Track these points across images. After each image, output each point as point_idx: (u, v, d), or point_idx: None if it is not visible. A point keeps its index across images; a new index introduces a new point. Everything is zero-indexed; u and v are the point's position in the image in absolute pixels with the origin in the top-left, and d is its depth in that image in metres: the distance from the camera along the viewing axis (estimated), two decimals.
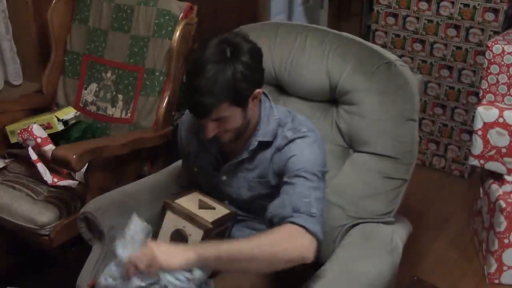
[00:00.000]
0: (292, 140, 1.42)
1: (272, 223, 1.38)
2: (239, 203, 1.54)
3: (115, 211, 1.67)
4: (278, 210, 1.36)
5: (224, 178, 1.53)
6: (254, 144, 1.45)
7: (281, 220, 1.32)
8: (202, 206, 1.49)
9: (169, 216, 1.45)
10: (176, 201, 1.48)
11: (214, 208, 1.49)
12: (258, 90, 1.38)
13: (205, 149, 1.56)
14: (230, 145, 1.47)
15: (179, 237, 1.42)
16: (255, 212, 1.55)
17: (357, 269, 1.43)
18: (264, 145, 1.46)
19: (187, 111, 1.61)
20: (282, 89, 1.85)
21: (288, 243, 1.27)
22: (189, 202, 1.49)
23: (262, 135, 1.45)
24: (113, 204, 1.70)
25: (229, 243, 1.27)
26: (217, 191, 1.55)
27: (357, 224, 1.61)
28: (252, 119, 1.44)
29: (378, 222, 1.61)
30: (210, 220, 1.41)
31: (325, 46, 1.75)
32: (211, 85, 1.28)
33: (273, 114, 1.48)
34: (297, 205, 1.32)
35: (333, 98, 1.74)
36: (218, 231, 1.44)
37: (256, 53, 1.36)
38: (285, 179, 1.39)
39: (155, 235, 1.46)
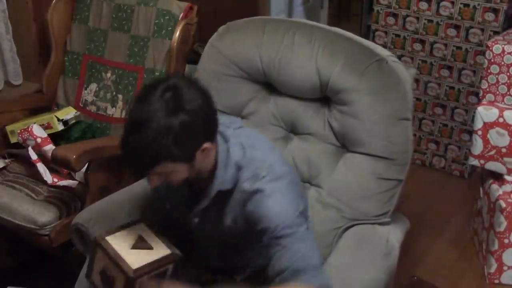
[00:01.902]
0: (254, 193, 1.29)
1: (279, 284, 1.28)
2: (211, 249, 1.46)
3: (107, 221, 1.60)
4: (282, 275, 1.25)
5: (196, 220, 1.42)
6: (212, 193, 1.34)
7: (287, 281, 1.25)
8: (138, 245, 1.34)
9: (99, 255, 1.34)
10: (109, 237, 1.34)
11: (151, 248, 1.33)
12: (205, 145, 1.24)
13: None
14: (196, 185, 1.35)
15: (106, 279, 1.31)
16: (228, 261, 1.49)
17: (351, 277, 1.41)
18: (228, 192, 1.34)
19: None
20: (272, 87, 1.79)
21: None
22: (124, 238, 1.35)
23: (221, 184, 1.32)
24: (105, 214, 1.64)
25: None
26: (191, 232, 1.46)
27: (352, 226, 1.59)
28: (204, 168, 1.30)
29: (373, 224, 1.59)
30: (137, 265, 1.26)
31: (314, 43, 1.69)
32: (150, 143, 1.15)
33: (230, 158, 1.33)
34: (298, 266, 1.24)
35: (325, 96, 1.69)
36: (149, 276, 1.29)
37: (204, 104, 1.23)
38: (268, 240, 1.28)
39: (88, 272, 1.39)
